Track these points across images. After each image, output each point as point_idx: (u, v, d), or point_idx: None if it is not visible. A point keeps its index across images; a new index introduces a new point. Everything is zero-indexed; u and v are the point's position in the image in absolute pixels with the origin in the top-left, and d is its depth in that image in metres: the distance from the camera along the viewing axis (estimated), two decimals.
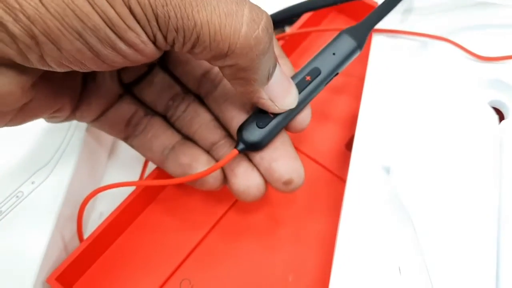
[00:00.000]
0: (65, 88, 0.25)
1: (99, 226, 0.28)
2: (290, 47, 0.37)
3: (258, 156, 0.26)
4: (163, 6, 0.19)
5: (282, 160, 0.25)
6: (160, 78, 0.28)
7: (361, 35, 0.27)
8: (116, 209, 0.29)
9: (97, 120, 0.27)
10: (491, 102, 0.30)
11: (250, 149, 0.25)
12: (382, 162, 0.27)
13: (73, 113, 0.26)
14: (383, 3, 0.29)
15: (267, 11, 0.22)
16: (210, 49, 0.20)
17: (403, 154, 0.27)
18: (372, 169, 0.27)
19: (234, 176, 0.26)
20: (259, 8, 0.21)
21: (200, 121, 0.28)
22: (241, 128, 0.25)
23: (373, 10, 0.29)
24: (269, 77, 0.23)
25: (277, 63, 0.23)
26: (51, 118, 0.25)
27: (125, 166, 0.35)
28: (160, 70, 0.28)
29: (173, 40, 0.20)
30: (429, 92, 0.30)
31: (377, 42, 0.32)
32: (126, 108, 0.28)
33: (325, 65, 0.26)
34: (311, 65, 0.26)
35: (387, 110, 0.29)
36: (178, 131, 0.28)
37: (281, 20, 0.32)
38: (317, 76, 0.26)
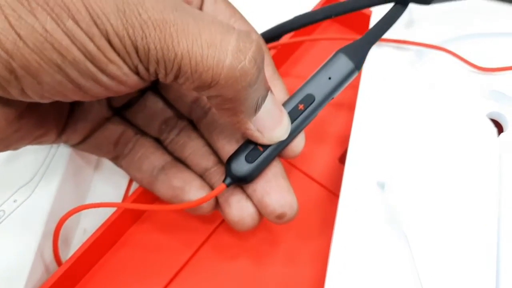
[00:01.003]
0: (51, 116, 0.24)
1: (80, 247, 0.27)
2: (283, 57, 0.36)
3: (250, 188, 0.25)
4: (142, 39, 0.18)
5: (274, 193, 0.25)
6: (152, 102, 0.28)
7: (358, 55, 0.26)
8: (99, 227, 0.28)
9: (83, 142, 0.27)
10: (490, 114, 0.29)
11: (238, 183, 0.25)
12: (376, 177, 0.27)
13: (58, 138, 0.26)
14: (382, 20, 0.28)
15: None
16: (192, 80, 0.20)
17: (398, 169, 0.26)
18: (366, 184, 0.26)
19: (228, 206, 0.26)
20: (248, 37, 0.20)
21: (193, 146, 0.27)
22: (229, 161, 0.24)
23: (371, 27, 0.28)
24: (257, 108, 0.22)
25: (269, 91, 0.23)
26: (34, 143, 0.25)
27: (112, 178, 0.34)
28: (152, 94, 0.28)
29: (155, 71, 0.20)
30: (425, 104, 0.29)
31: (372, 52, 0.31)
32: (114, 129, 0.27)
33: (320, 91, 0.25)
34: (304, 91, 0.25)
35: (382, 123, 0.28)
36: (170, 153, 0.28)
37: (274, 37, 0.31)
38: (311, 104, 0.25)
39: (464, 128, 0.28)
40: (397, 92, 0.30)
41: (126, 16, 0.18)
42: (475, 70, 0.30)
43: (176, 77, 0.20)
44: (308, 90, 0.25)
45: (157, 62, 0.19)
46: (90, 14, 0.18)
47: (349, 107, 0.29)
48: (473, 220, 0.25)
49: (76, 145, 0.27)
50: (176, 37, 0.19)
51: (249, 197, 0.26)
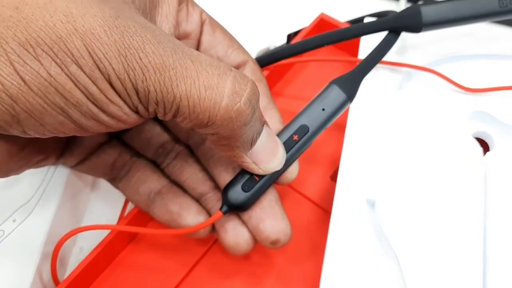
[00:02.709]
0: (51, 143, 0.25)
1: (77, 267, 0.28)
2: (276, 78, 0.37)
3: (246, 215, 0.26)
4: (142, 81, 0.19)
5: (269, 221, 0.26)
6: (150, 126, 0.29)
7: (351, 86, 0.27)
8: (95, 247, 0.29)
9: (81, 164, 0.28)
10: (477, 133, 0.30)
11: (234, 211, 0.26)
12: (366, 195, 0.27)
13: (57, 161, 0.27)
14: (374, 50, 0.29)
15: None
16: (190, 119, 0.21)
17: (387, 187, 0.27)
18: (356, 202, 0.27)
19: (224, 231, 0.27)
20: (244, 77, 0.21)
21: (190, 171, 0.28)
22: (226, 190, 0.25)
23: (364, 59, 0.29)
24: (252, 143, 0.23)
25: (265, 125, 0.24)
26: (34, 167, 0.26)
27: (109, 197, 0.35)
28: (150, 118, 0.28)
29: (155, 111, 0.21)
30: (413, 124, 0.30)
31: None
32: (110, 152, 0.28)
33: (314, 121, 0.26)
34: (299, 122, 0.26)
35: (371, 142, 0.29)
36: (167, 176, 0.29)
37: (269, 63, 0.32)
38: (305, 134, 0.26)
39: (450, 147, 0.28)
40: (386, 113, 0.30)
41: (127, 60, 0.19)
42: (462, 90, 0.31)
43: (175, 116, 0.21)
44: (302, 121, 0.26)
45: (157, 103, 0.20)
46: (93, 58, 0.18)
47: (341, 127, 0.30)
48: (459, 238, 0.25)
49: (73, 167, 0.28)
50: (175, 80, 0.20)
51: (244, 223, 0.27)
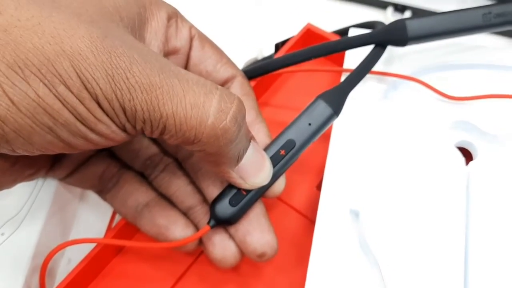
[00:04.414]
0: (41, 157, 0.26)
1: (65, 279, 0.28)
2: (262, 88, 0.38)
3: (233, 228, 0.27)
4: (129, 101, 0.20)
5: (255, 233, 0.26)
6: (139, 138, 0.29)
7: (338, 101, 0.27)
8: (83, 259, 0.29)
9: (69, 176, 0.28)
10: (460, 142, 0.31)
11: (222, 225, 0.26)
12: (350, 205, 0.28)
13: (46, 174, 0.27)
14: (360, 64, 0.29)
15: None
16: (177, 137, 0.21)
17: (372, 198, 0.28)
18: (340, 213, 0.27)
19: (211, 245, 0.27)
20: (230, 95, 0.22)
21: (178, 184, 0.28)
22: (214, 204, 0.26)
23: (350, 73, 0.29)
24: (239, 159, 0.24)
25: (251, 141, 0.24)
26: (25, 181, 0.26)
27: (97, 208, 0.35)
28: None
29: (142, 129, 0.21)
30: (398, 134, 0.30)
31: None
32: (98, 164, 0.28)
33: (300, 136, 0.26)
34: (286, 136, 0.26)
35: (356, 152, 0.30)
36: (155, 188, 0.29)
37: (257, 75, 0.33)
38: (292, 149, 0.26)
39: (433, 157, 0.29)
40: (371, 123, 0.31)
41: (114, 80, 0.19)
42: (446, 99, 0.31)
43: (162, 134, 0.21)
44: (289, 136, 0.26)
45: (144, 121, 0.20)
46: (80, 79, 0.19)
47: (328, 137, 0.30)
48: (441, 249, 0.26)
49: (63, 179, 0.28)
50: (162, 99, 0.20)
51: (231, 236, 0.27)
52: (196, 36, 0.28)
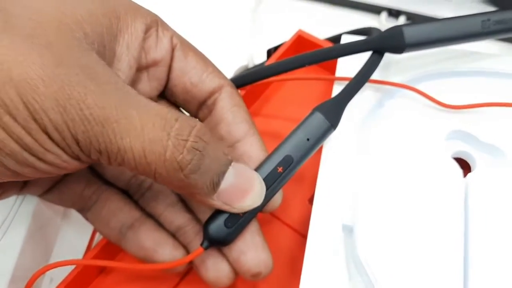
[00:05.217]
0: None
1: None
2: (252, 97, 0.37)
3: (226, 247, 0.26)
4: (83, 132, 0.19)
5: (250, 252, 0.25)
6: None
7: (335, 113, 0.27)
8: (65, 278, 0.28)
9: (47, 193, 0.27)
10: (457, 152, 0.30)
11: (216, 246, 0.25)
12: (343, 220, 0.27)
13: (20, 192, 0.26)
14: (357, 74, 0.29)
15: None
16: (137, 170, 0.21)
17: (366, 213, 0.27)
18: (332, 228, 0.27)
19: (204, 267, 0.26)
20: (188, 126, 0.21)
21: (166, 203, 0.27)
22: (207, 224, 0.25)
23: (347, 83, 0.28)
24: (215, 186, 0.23)
25: (232, 163, 0.23)
26: None
27: (81, 226, 0.34)
28: None
29: (98, 158, 0.21)
30: (392, 144, 0.29)
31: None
32: (79, 180, 0.27)
33: (298, 152, 0.26)
34: (283, 152, 0.25)
35: (348, 165, 0.29)
36: (139, 206, 0.28)
37: (247, 83, 0.31)
38: (289, 165, 0.25)
39: (430, 169, 0.28)
40: (365, 133, 0.30)
41: (66, 111, 0.19)
42: (442, 108, 0.30)
43: (121, 165, 0.21)
44: (286, 151, 0.25)
45: (100, 153, 0.20)
46: (28, 109, 0.18)
47: (320, 147, 0.29)
48: (439, 266, 0.25)
49: (41, 196, 0.27)
50: (119, 133, 0.19)
51: (224, 256, 0.26)
52: (178, 46, 0.27)
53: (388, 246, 0.26)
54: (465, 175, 0.28)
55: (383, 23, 0.46)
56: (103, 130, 0.19)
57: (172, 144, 0.20)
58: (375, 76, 0.30)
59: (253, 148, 0.27)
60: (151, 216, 0.28)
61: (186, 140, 0.21)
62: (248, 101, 0.36)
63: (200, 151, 0.21)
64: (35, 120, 0.18)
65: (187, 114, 0.29)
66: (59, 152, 0.20)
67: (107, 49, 0.23)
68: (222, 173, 0.23)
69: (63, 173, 0.22)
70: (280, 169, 0.25)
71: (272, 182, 0.25)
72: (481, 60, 0.33)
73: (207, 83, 0.27)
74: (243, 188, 0.23)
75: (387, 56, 0.30)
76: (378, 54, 0.30)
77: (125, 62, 0.24)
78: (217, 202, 0.23)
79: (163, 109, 0.21)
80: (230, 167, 0.23)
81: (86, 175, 0.27)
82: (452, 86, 0.32)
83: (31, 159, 0.19)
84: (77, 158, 0.20)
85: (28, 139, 0.19)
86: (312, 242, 0.26)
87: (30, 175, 0.20)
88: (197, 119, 0.22)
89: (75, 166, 0.21)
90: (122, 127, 0.20)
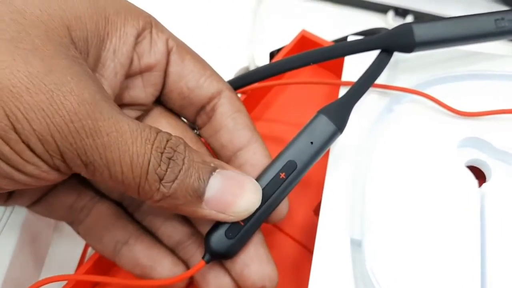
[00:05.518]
0: None
1: None
2: (253, 102, 0.36)
3: (229, 260, 0.25)
4: (71, 145, 0.19)
5: (254, 265, 0.24)
6: None
7: (341, 115, 0.25)
8: None
9: (35, 204, 0.26)
10: (471, 161, 0.29)
11: (218, 259, 0.24)
12: (352, 234, 0.26)
13: (6, 202, 0.25)
14: (365, 74, 0.28)
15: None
16: (123, 184, 0.20)
17: (375, 226, 0.26)
18: (340, 242, 0.25)
19: (204, 282, 0.25)
20: (165, 137, 0.21)
21: (164, 216, 0.26)
22: (208, 236, 0.24)
23: (354, 84, 0.27)
24: (198, 194, 0.22)
25: (218, 168, 0.22)
26: None
27: (74, 238, 0.32)
28: None
29: (80, 171, 0.20)
30: (402, 153, 0.28)
31: None
32: (69, 191, 0.26)
33: (302, 157, 0.24)
34: (285, 157, 0.24)
35: (356, 174, 0.28)
36: (134, 219, 0.27)
37: (250, 83, 0.30)
38: (293, 171, 0.24)
39: (442, 179, 0.27)
40: (373, 140, 0.29)
41: (54, 122, 0.18)
42: (455, 115, 0.29)
43: (104, 179, 0.20)
44: (289, 156, 0.24)
45: (86, 166, 0.20)
46: (9, 118, 0.18)
47: (326, 153, 0.28)
48: (455, 281, 0.24)
49: (29, 207, 0.26)
50: (109, 146, 0.19)
51: (227, 270, 0.25)
52: (175, 49, 0.26)
53: (399, 261, 0.25)
54: (480, 185, 0.27)
55: (389, 22, 0.45)
56: (93, 143, 0.19)
57: (153, 157, 0.20)
58: (381, 80, 0.29)
59: (256, 156, 0.26)
60: (148, 230, 0.26)
61: (162, 152, 0.21)
62: (249, 106, 0.35)
63: (174, 160, 0.21)
64: (15, 129, 0.18)
65: (185, 120, 0.28)
66: (39, 163, 0.19)
67: (91, 53, 0.22)
68: (203, 180, 0.22)
69: (41, 185, 0.21)
70: (282, 175, 0.24)
71: (275, 190, 0.24)
72: (495, 62, 0.31)
73: (205, 88, 0.26)
74: (233, 192, 0.22)
75: (394, 58, 0.29)
76: (386, 53, 0.29)
77: (110, 68, 0.23)
78: (208, 211, 0.22)
79: (141, 124, 0.21)
80: (216, 173, 0.22)
81: (77, 186, 0.26)
82: (463, 90, 0.31)
83: (9, 170, 0.19)
84: (57, 169, 0.20)
85: (5, 149, 0.18)
86: (319, 257, 0.25)
87: (7, 186, 0.20)
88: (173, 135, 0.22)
89: (54, 178, 0.20)
90: (113, 140, 0.19)
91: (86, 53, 0.22)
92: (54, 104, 0.18)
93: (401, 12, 0.45)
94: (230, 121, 0.26)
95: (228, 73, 0.27)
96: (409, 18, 0.45)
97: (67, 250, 0.32)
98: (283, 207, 0.25)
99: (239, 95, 0.28)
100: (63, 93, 0.18)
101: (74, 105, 0.18)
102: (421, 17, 0.45)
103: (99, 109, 0.19)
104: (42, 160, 0.19)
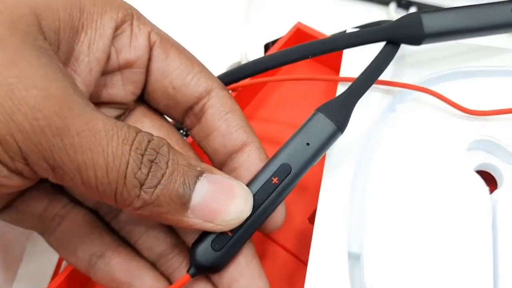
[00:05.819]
0: None
1: None
2: (245, 99, 0.35)
3: (216, 274, 0.24)
4: (35, 146, 0.18)
5: (243, 280, 0.23)
6: None
7: (342, 113, 0.24)
8: None
9: (3, 213, 0.24)
10: (481, 165, 0.27)
11: (205, 273, 0.23)
12: (349, 247, 0.25)
13: None
14: (367, 70, 0.26)
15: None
16: (97, 191, 0.19)
17: (376, 237, 0.24)
18: (337, 255, 0.24)
19: None
20: (146, 137, 0.20)
21: (144, 225, 0.25)
22: (194, 248, 0.22)
23: (356, 79, 0.25)
24: (184, 201, 0.21)
25: (205, 173, 0.21)
26: None
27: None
28: None
29: (47, 176, 0.19)
30: (405, 156, 0.27)
31: None
32: (40, 197, 0.24)
33: (297, 159, 0.23)
34: (278, 161, 0.23)
35: (355, 180, 0.26)
36: (111, 229, 0.25)
37: (245, 77, 0.29)
38: (287, 176, 0.23)
39: (450, 185, 0.26)
40: (374, 142, 0.28)
41: (14, 120, 0.17)
42: (464, 114, 0.28)
43: (76, 185, 0.19)
44: (283, 159, 0.23)
45: (53, 170, 0.18)
46: None
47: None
48: None
49: None
50: (80, 147, 0.18)
51: (214, 284, 0.24)
52: (158, 43, 0.24)
53: (403, 278, 0.23)
54: (491, 191, 0.26)
55: (391, 15, 0.44)
56: (61, 144, 0.18)
57: (132, 159, 0.19)
58: (385, 76, 0.28)
59: (250, 158, 0.24)
60: (126, 241, 0.25)
61: (143, 154, 0.20)
62: (240, 104, 0.33)
63: (156, 163, 0.20)
64: None
65: (171, 121, 0.27)
66: None
67: (63, 46, 0.21)
68: (189, 186, 0.21)
69: (1, 192, 0.19)
70: (275, 180, 0.23)
71: (267, 196, 0.22)
72: (509, 57, 0.30)
73: (192, 86, 0.24)
74: (221, 199, 0.22)
75: (399, 53, 0.28)
76: (393, 46, 0.27)
77: (84, 63, 0.22)
78: (194, 220, 0.21)
79: (120, 123, 0.20)
80: (202, 178, 0.21)
81: (49, 192, 0.24)
82: (473, 87, 0.29)
83: None
84: (19, 174, 0.19)
85: None
86: (313, 271, 0.24)
87: None
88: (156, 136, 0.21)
89: (16, 184, 0.19)
90: (84, 140, 0.18)
91: (56, 46, 0.20)
92: (15, 99, 0.17)
93: (404, 3, 0.44)
94: (223, 123, 0.24)
95: (218, 69, 0.26)
96: (413, 10, 0.44)
97: (41, 259, 0.31)
98: (279, 215, 0.24)
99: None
100: (25, 87, 0.17)
101: (39, 101, 0.17)
102: (425, 9, 0.43)
103: (68, 105, 0.18)
104: (1, 163, 0.18)
